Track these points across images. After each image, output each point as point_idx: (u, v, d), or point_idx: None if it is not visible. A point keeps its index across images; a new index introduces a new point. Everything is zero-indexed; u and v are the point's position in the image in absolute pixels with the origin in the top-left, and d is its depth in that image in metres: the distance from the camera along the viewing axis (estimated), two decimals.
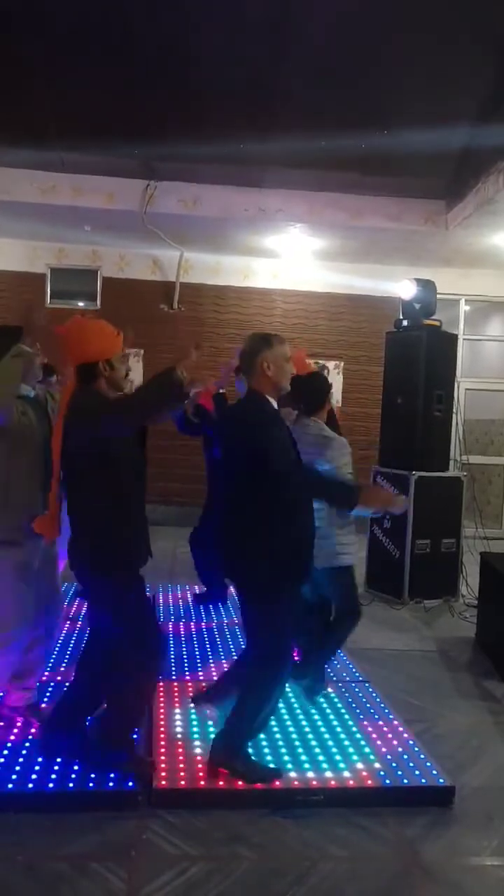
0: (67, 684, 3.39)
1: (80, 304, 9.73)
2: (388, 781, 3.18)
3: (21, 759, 3.18)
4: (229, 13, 5.77)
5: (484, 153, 6.59)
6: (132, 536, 3.05)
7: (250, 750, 3.26)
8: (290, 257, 9.47)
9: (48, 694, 3.87)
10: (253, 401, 3.07)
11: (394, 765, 3.31)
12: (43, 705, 3.65)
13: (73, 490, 3.03)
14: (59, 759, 3.16)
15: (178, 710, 3.75)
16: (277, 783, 3.12)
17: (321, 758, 3.34)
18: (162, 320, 9.58)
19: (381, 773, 3.24)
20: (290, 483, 2.94)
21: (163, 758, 3.26)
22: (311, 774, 3.19)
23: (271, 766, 3.23)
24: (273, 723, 3.64)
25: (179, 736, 3.49)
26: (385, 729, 3.67)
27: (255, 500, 2.99)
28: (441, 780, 3.20)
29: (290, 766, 3.25)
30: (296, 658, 3.76)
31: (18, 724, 3.46)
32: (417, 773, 3.25)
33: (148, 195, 7.63)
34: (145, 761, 3.22)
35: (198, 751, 3.33)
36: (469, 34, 5.77)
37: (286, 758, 3.32)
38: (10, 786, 3.00)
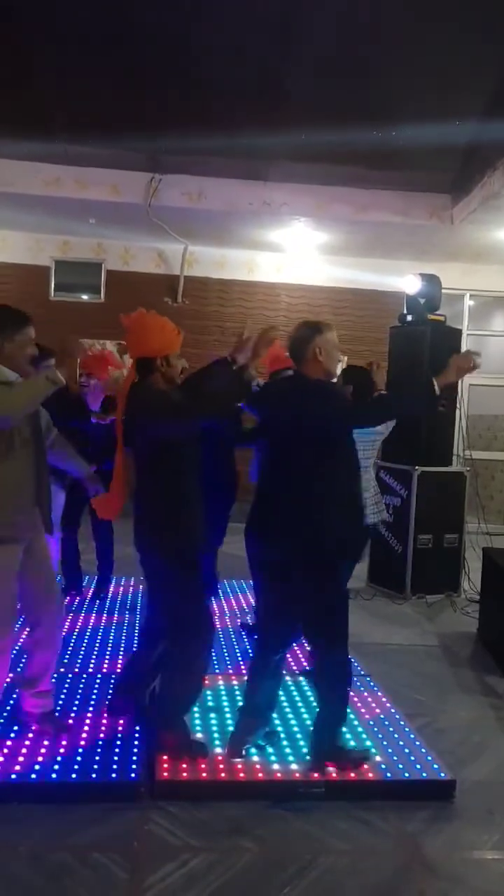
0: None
1: (84, 296, 9.72)
2: (389, 775, 3.19)
3: (24, 750, 3.20)
4: (236, 6, 5.75)
5: (490, 148, 6.57)
6: (195, 521, 3.21)
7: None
8: (294, 251, 9.45)
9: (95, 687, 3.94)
10: (306, 381, 3.13)
11: (395, 758, 3.32)
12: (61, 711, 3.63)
13: (142, 476, 3.17)
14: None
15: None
16: (278, 775, 3.14)
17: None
18: (166, 314, 9.45)
19: (383, 766, 3.26)
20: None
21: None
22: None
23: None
24: (275, 716, 3.66)
25: None
26: (387, 723, 3.69)
27: (338, 469, 3.11)
28: (442, 775, 3.22)
29: (291, 758, 3.27)
30: None
31: (34, 728, 3.38)
32: (418, 766, 3.27)
33: (153, 188, 7.62)
34: (199, 745, 3.30)
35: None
36: (476, 29, 5.74)
37: (287, 750, 3.34)
38: (13, 776, 3.02)
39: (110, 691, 3.78)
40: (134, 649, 3.88)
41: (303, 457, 3.03)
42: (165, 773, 3.09)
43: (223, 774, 3.12)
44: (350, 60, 6.12)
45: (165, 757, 3.16)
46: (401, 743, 3.48)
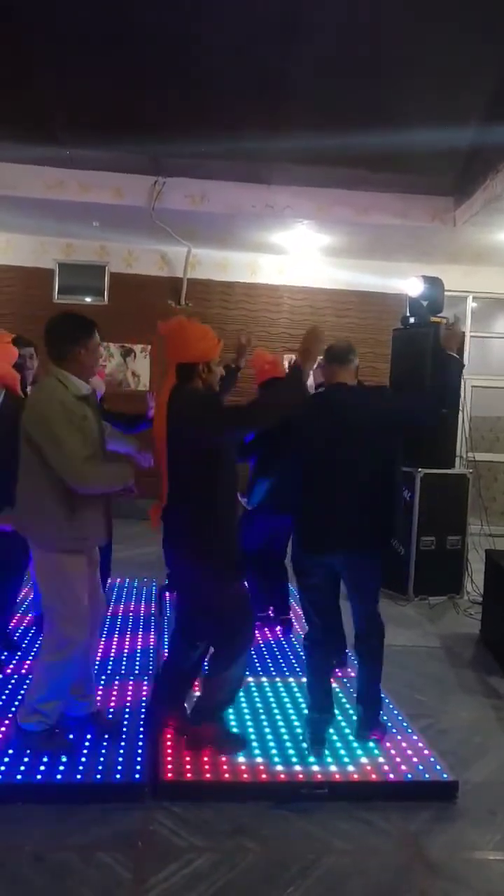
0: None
1: (88, 299, 9.75)
2: (391, 776, 3.21)
3: (29, 751, 3.22)
4: (238, 8, 5.76)
5: (492, 150, 6.57)
6: (232, 529, 3.28)
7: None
8: (297, 254, 9.47)
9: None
10: (349, 387, 3.46)
11: (397, 759, 3.34)
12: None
13: (181, 481, 3.14)
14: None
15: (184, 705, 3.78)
16: (282, 776, 3.15)
17: (325, 751, 3.36)
18: (169, 316, 9.56)
19: (385, 767, 3.27)
20: None
21: (169, 750, 3.29)
22: (315, 768, 3.23)
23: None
24: (278, 717, 3.68)
25: None
26: (389, 723, 3.70)
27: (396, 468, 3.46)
28: (444, 775, 3.23)
29: (294, 759, 3.29)
30: None
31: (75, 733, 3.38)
32: (421, 767, 3.28)
33: (156, 191, 7.64)
34: (237, 738, 3.39)
35: (56, 739, 3.30)
36: (477, 30, 5.75)
37: (291, 751, 3.35)
38: (18, 777, 3.04)
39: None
40: (166, 657, 3.76)
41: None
42: (169, 774, 3.11)
43: (227, 775, 3.14)
44: (351, 62, 6.13)
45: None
46: (403, 744, 3.49)
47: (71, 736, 3.33)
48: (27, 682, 3.63)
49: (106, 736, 3.38)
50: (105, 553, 5.45)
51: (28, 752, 3.18)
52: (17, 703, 3.63)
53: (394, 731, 3.63)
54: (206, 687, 3.44)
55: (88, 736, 3.37)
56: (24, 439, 3.08)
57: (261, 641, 4.84)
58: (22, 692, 3.71)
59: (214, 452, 3.11)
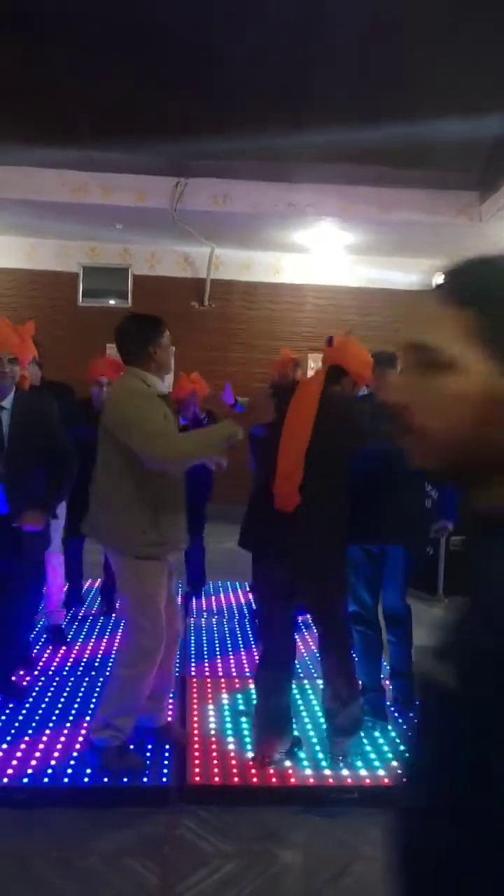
0: None
1: (112, 302, 9.78)
2: None
3: (56, 755, 3.21)
4: (259, 7, 5.73)
5: None
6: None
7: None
8: (320, 252, 9.41)
9: None
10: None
11: None
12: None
13: (319, 485, 3.10)
14: None
15: (210, 707, 3.76)
16: (311, 780, 3.10)
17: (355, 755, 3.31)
18: (193, 317, 9.59)
19: None
20: None
21: (196, 754, 3.26)
22: (345, 772, 3.17)
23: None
24: (307, 721, 3.63)
25: (213, 732, 3.49)
26: None
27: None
28: None
29: (324, 763, 3.24)
30: None
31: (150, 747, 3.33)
32: None
33: (178, 192, 7.64)
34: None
35: (231, 747, 3.34)
36: (499, 26, 5.65)
37: (320, 755, 3.31)
38: (45, 780, 3.03)
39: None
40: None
41: None
42: (197, 778, 3.08)
43: (254, 779, 3.10)
44: (372, 58, 6.07)
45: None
46: None
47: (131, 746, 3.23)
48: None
49: (167, 746, 3.32)
50: None
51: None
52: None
53: None
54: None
55: (150, 746, 3.31)
56: (103, 439, 3.05)
57: None
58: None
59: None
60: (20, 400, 3.57)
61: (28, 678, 4.06)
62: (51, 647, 4.59)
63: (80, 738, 3.36)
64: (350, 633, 3.44)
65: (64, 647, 4.60)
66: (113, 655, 3.61)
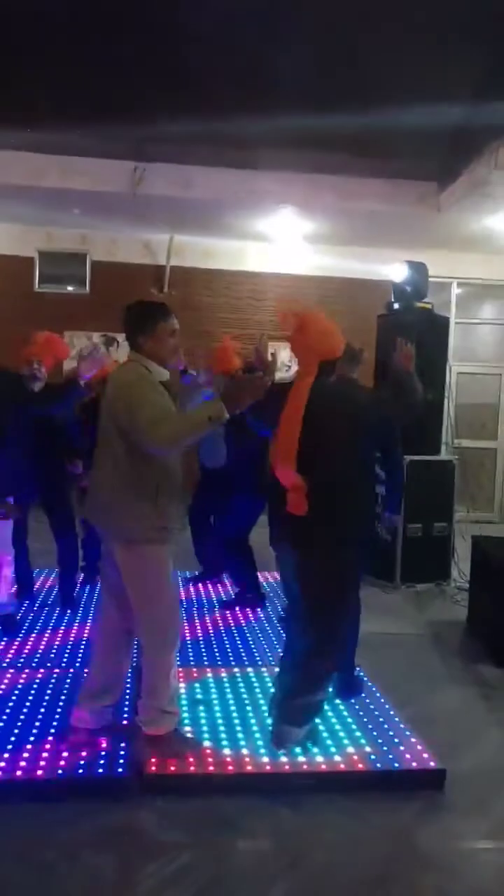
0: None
1: (70, 287, 9.61)
2: (379, 765, 3.18)
3: (9, 747, 3.16)
4: None
5: (477, 133, 6.51)
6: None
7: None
8: (281, 241, 9.37)
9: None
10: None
11: (385, 748, 3.31)
12: None
13: (335, 471, 3.16)
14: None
15: None
16: (268, 767, 3.11)
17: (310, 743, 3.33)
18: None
19: (372, 756, 3.24)
20: None
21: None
22: (301, 759, 3.18)
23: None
24: (263, 708, 3.63)
25: None
26: (376, 713, 3.67)
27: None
28: (432, 764, 3.20)
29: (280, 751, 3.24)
30: None
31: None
32: (408, 756, 3.25)
33: (137, 177, 7.52)
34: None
35: (188, 736, 3.32)
36: (462, 12, 5.68)
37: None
38: None
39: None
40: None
41: None
42: (153, 768, 3.06)
43: (211, 768, 3.10)
44: (335, 44, 6.05)
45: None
46: (391, 732, 3.46)
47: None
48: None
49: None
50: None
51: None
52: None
53: (381, 719, 3.60)
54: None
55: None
56: (104, 426, 3.06)
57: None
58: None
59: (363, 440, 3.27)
60: None
61: None
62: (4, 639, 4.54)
63: (34, 730, 3.32)
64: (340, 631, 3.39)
65: (18, 639, 4.56)
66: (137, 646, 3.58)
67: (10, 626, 4.63)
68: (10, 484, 4.19)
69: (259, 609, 5.31)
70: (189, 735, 3.32)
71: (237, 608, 5.31)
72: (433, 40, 5.93)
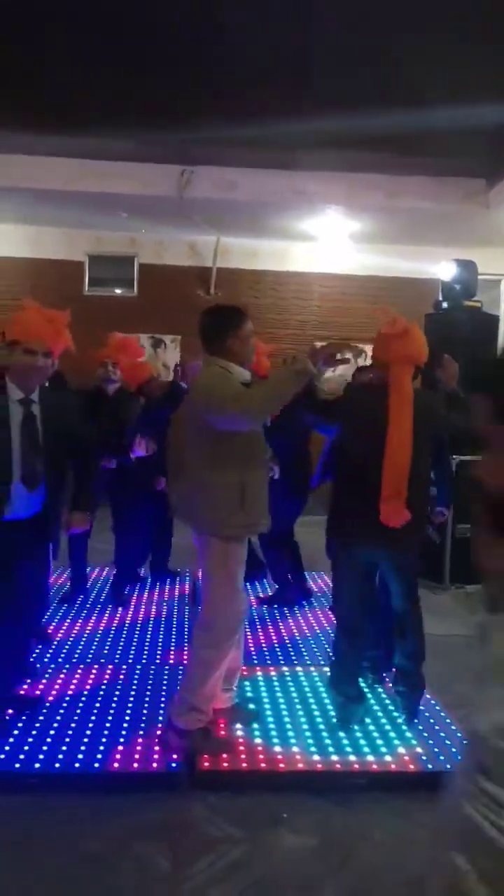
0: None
1: (118, 291, 9.77)
2: (430, 766, 3.17)
3: (67, 741, 3.24)
4: None
5: None
6: None
7: None
8: (326, 240, 9.37)
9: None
10: None
11: (436, 749, 3.29)
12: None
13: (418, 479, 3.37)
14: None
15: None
16: (319, 766, 3.13)
17: (363, 742, 3.34)
18: (199, 306, 9.53)
19: (423, 757, 3.23)
20: None
21: None
22: (352, 758, 3.20)
23: None
24: (314, 707, 3.65)
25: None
26: (427, 714, 3.65)
27: None
28: None
29: (331, 749, 3.26)
30: None
31: (222, 725, 3.40)
32: (460, 758, 3.22)
33: (184, 181, 7.60)
34: None
35: (239, 732, 3.36)
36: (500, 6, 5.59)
37: (327, 741, 3.33)
38: (56, 765, 3.06)
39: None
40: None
41: None
42: (206, 763, 3.10)
43: (263, 764, 3.13)
44: (377, 44, 6.01)
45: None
46: (441, 734, 3.45)
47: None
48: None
49: (238, 726, 3.41)
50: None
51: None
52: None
53: (432, 720, 3.59)
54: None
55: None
56: (190, 426, 3.14)
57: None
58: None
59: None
60: (44, 393, 3.35)
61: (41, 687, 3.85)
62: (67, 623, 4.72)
63: (90, 724, 3.40)
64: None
65: (77, 629, 4.70)
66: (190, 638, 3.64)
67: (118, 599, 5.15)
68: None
69: (304, 606, 5.33)
70: (217, 737, 3.30)
71: (276, 605, 5.33)
72: (478, 37, 5.85)
